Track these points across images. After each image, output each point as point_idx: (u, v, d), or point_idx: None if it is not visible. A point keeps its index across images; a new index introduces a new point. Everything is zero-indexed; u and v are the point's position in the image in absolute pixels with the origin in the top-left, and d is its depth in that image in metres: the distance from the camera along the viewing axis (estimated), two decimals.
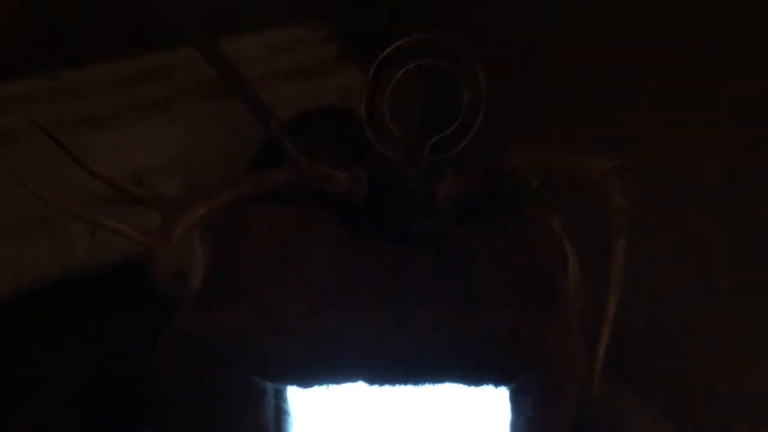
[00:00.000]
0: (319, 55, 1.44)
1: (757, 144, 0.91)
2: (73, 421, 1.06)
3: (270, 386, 0.63)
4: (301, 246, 0.70)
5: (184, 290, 0.71)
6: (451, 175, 0.75)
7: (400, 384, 0.63)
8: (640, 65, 1.02)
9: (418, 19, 1.44)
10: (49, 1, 1.24)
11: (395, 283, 0.66)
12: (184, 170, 1.28)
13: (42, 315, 1.13)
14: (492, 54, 0.80)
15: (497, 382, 0.63)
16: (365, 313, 0.63)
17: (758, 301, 0.95)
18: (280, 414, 0.65)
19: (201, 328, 0.64)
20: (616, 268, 0.74)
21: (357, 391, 0.64)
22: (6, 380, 1.06)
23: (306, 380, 0.62)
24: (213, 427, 0.67)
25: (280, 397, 0.64)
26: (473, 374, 0.63)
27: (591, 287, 0.77)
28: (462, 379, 0.63)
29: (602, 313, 0.73)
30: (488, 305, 0.64)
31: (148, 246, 0.69)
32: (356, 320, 0.63)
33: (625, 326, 0.72)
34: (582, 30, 1.12)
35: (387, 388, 0.63)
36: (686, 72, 0.97)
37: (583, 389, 0.70)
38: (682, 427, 1.08)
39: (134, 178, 1.21)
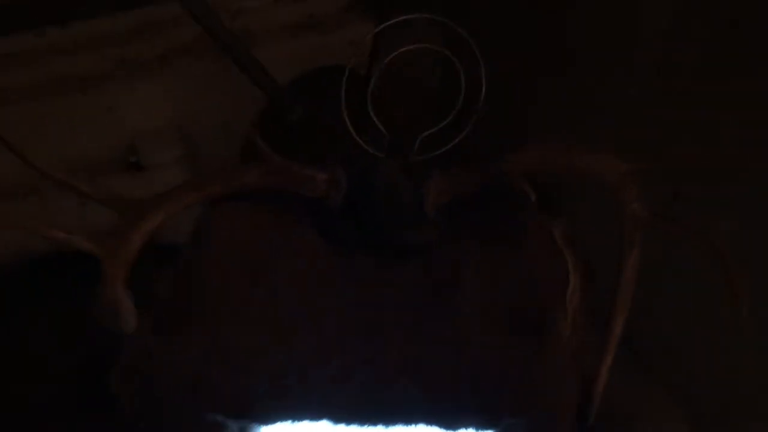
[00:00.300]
0: (329, 7, 1.32)
1: None
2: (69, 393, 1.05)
3: (233, 424, 0.57)
4: (267, 261, 0.63)
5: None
6: (441, 178, 0.66)
7: (369, 425, 0.56)
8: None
9: None
10: None
11: (369, 307, 0.59)
12: (182, 133, 1.21)
13: (35, 286, 1.10)
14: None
15: (479, 427, 0.56)
16: (333, 346, 0.56)
17: None
18: None
19: (152, 358, 0.58)
20: (626, 284, 0.66)
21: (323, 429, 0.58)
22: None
23: (266, 419, 0.56)
24: None
25: None
26: (452, 418, 0.56)
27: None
28: (439, 422, 0.56)
29: (606, 334, 0.66)
30: (472, 341, 0.57)
31: (100, 258, 0.62)
32: (322, 355, 0.56)
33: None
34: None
35: (355, 428, 0.57)
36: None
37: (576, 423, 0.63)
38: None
39: (129, 147, 1.15)
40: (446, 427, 0.56)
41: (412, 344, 0.56)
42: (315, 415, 0.56)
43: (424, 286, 0.61)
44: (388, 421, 0.56)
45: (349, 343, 0.56)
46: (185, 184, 0.67)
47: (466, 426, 0.56)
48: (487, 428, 0.56)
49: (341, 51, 1.29)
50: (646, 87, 0.92)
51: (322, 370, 0.55)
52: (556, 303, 0.60)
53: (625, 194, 0.67)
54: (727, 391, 0.98)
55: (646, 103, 0.93)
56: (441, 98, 0.72)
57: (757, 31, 0.78)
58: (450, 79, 0.68)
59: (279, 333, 0.57)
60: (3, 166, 1.11)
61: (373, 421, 0.56)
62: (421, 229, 0.66)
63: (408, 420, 0.56)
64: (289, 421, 0.56)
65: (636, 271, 0.65)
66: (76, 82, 1.15)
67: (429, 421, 0.56)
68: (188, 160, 1.18)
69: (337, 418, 0.56)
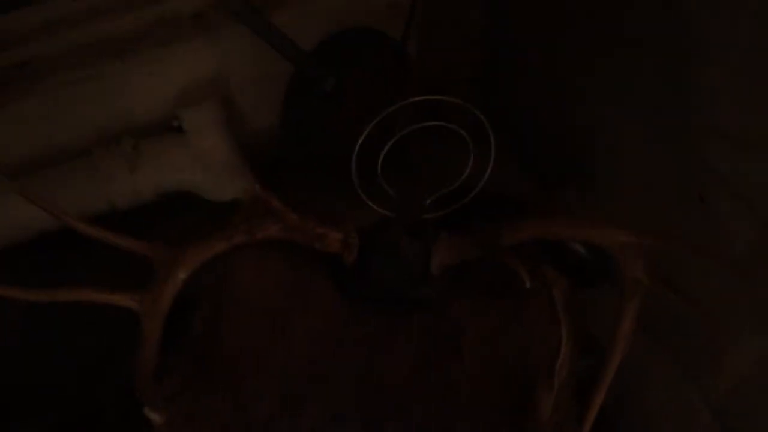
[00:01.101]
0: None
1: None
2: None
3: None
4: (285, 319, 0.70)
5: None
6: (447, 243, 0.70)
7: None
8: None
9: None
10: None
11: (374, 371, 0.66)
12: (220, 94, 1.23)
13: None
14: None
15: None
16: (337, 419, 0.64)
17: None
18: None
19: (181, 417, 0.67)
20: (622, 333, 0.71)
21: None
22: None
23: None
24: None
25: None
26: None
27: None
28: None
29: (599, 376, 0.72)
30: (464, 415, 0.64)
31: (137, 310, 0.70)
32: (330, 421, 0.64)
33: None
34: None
35: None
36: None
37: None
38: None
39: (163, 121, 1.19)
40: None
41: (408, 420, 0.63)
42: None
43: (427, 352, 0.67)
44: None
45: (357, 406, 0.64)
46: (214, 236, 0.73)
47: None
48: None
49: (380, 12, 1.25)
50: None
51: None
52: (545, 379, 0.66)
53: (627, 262, 0.70)
54: None
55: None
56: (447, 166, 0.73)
57: None
58: (460, 150, 0.70)
59: (291, 403, 0.65)
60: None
61: None
62: (427, 287, 0.71)
63: None
64: None
65: (629, 339, 0.70)
66: (116, 48, 1.17)
67: None
68: (227, 123, 1.22)
69: None
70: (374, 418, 0.64)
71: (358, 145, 0.71)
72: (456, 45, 1.36)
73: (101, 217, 1.20)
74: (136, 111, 1.21)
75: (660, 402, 1.05)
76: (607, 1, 1.00)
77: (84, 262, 1.13)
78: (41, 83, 1.15)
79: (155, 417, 0.66)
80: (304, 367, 0.67)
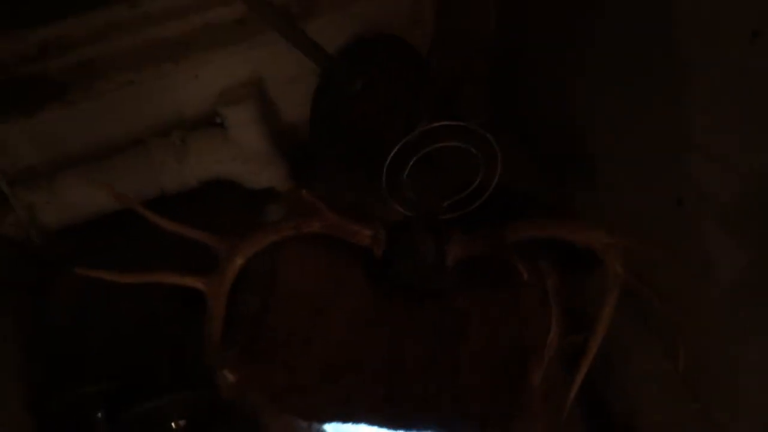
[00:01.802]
0: None
1: None
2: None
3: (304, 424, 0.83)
4: (325, 302, 0.85)
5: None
6: (459, 240, 0.85)
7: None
8: None
9: None
10: None
11: (397, 346, 0.82)
12: (259, 93, 1.37)
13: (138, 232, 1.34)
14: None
15: None
16: (369, 381, 0.79)
17: None
18: None
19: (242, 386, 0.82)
20: (604, 316, 0.86)
21: None
22: None
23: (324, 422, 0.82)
24: None
25: None
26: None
27: None
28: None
29: (584, 350, 0.87)
30: (470, 385, 0.79)
31: (205, 290, 0.85)
32: (361, 387, 0.80)
33: None
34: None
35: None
36: None
37: None
38: None
39: (207, 117, 1.34)
40: None
41: (424, 388, 0.79)
42: (356, 421, 0.82)
43: (438, 332, 0.83)
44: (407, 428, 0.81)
45: (381, 381, 0.80)
46: (266, 228, 0.88)
47: None
48: None
49: (404, 12, 1.38)
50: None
51: (360, 397, 0.80)
52: (536, 355, 0.81)
53: (609, 258, 0.84)
54: None
55: None
56: (462, 174, 0.87)
57: None
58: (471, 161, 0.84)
59: (332, 370, 0.80)
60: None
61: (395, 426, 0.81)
62: (442, 277, 0.86)
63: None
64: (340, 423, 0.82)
65: (610, 320, 0.85)
66: (168, 51, 1.31)
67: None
68: (264, 119, 1.36)
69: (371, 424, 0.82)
70: (396, 387, 0.79)
71: (387, 162, 0.85)
72: (468, 52, 1.49)
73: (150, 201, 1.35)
74: (183, 108, 1.36)
75: (642, 371, 1.20)
76: (602, 23, 1.13)
77: (130, 245, 1.30)
78: (101, 82, 1.29)
79: (230, 376, 0.82)
80: (340, 343, 0.82)
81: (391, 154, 0.83)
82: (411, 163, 0.84)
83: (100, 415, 1.18)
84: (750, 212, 0.89)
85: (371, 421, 0.80)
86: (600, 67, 1.17)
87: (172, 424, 1.14)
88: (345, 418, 0.80)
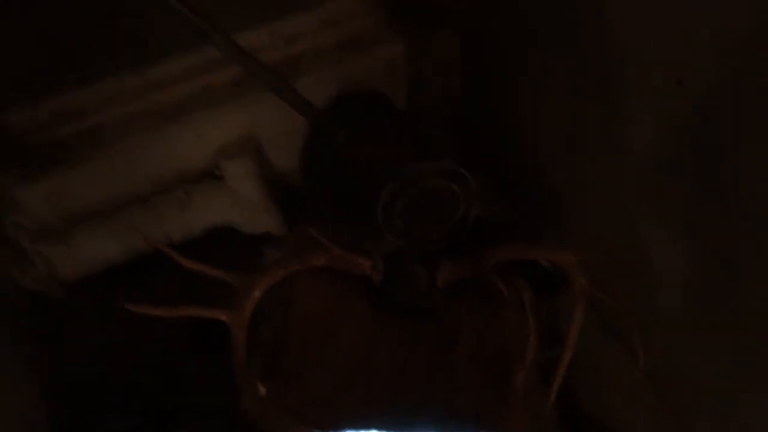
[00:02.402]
0: (366, 27, 1.56)
1: None
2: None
3: None
4: (335, 326, 0.98)
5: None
6: (446, 266, 0.99)
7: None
8: None
9: None
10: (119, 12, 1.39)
11: (398, 361, 0.95)
12: (254, 149, 1.51)
13: (150, 279, 1.46)
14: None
15: None
16: (377, 392, 0.92)
17: None
18: None
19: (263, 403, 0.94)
20: (574, 330, 1.00)
21: None
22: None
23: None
24: None
25: None
26: None
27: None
28: None
29: (559, 362, 1.01)
30: (463, 387, 0.92)
31: (228, 322, 0.98)
32: (371, 397, 0.92)
33: None
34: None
35: None
36: None
37: None
38: None
39: (208, 171, 1.47)
40: None
41: (425, 388, 0.92)
42: (368, 427, 0.94)
43: (433, 344, 0.96)
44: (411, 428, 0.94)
45: (387, 388, 0.92)
46: (277, 263, 1.01)
47: None
48: None
49: (378, 69, 1.54)
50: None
51: (370, 404, 0.92)
52: (519, 359, 0.95)
53: (575, 274, 0.99)
54: None
55: None
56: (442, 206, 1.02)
57: None
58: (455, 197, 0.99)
59: (343, 382, 0.93)
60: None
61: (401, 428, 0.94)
62: (434, 298, 1.00)
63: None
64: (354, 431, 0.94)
65: (579, 330, 0.99)
66: (172, 112, 1.45)
67: None
68: (259, 170, 1.50)
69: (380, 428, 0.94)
70: (400, 393, 0.92)
71: (383, 203, 0.99)
72: (440, 101, 1.66)
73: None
74: (186, 163, 1.49)
75: (612, 374, 1.34)
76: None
77: (158, 283, 1.41)
78: (109, 145, 1.42)
79: (262, 389, 0.94)
80: (348, 360, 0.95)
81: (386, 195, 0.97)
82: (402, 202, 0.98)
83: None
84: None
85: (380, 425, 0.92)
86: (550, 110, 1.34)
87: None
88: (358, 425, 0.92)
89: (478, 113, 1.65)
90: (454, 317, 0.98)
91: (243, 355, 0.94)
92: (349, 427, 0.92)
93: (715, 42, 0.84)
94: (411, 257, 0.98)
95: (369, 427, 0.92)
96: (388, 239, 1.00)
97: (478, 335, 0.97)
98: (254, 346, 1.02)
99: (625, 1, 1.00)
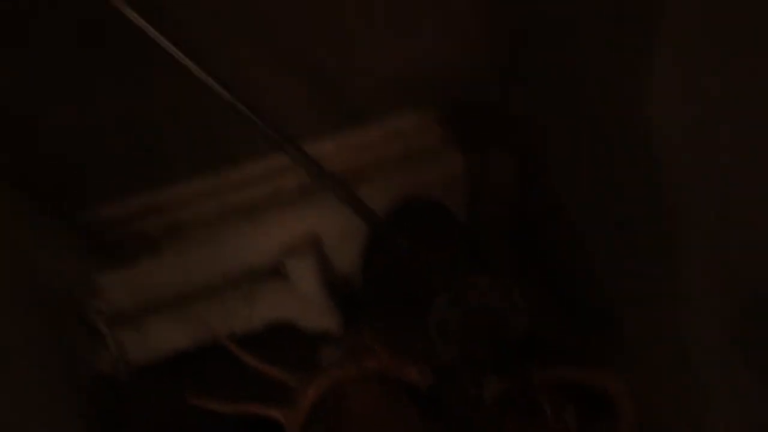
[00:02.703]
0: (428, 142, 1.67)
1: None
2: None
3: None
4: (382, 426, 1.02)
5: None
6: (495, 383, 1.03)
7: None
8: None
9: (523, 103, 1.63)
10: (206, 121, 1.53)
11: None
12: (315, 248, 1.61)
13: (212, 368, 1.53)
14: None
15: None
16: None
17: None
18: None
19: None
20: None
21: None
22: None
23: None
24: None
25: None
26: None
27: None
28: None
29: None
30: None
31: (283, 421, 1.03)
32: None
33: None
34: None
35: None
36: None
37: None
38: None
39: (273, 268, 1.56)
40: None
41: None
42: None
43: None
44: None
45: None
46: (333, 367, 1.07)
47: None
48: None
49: (436, 180, 1.64)
50: None
51: None
52: None
53: (622, 403, 1.01)
54: None
55: None
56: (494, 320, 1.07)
57: None
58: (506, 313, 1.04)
59: None
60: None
61: None
62: (481, 413, 1.03)
63: None
64: None
65: None
66: (244, 213, 1.57)
67: None
68: (320, 270, 1.59)
69: None
70: None
71: (436, 319, 1.05)
72: (496, 209, 1.73)
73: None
74: (252, 259, 1.59)
75: None
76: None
77: (218, 372, 1.48)
78: (187, 240, 1.54)
79: None
80: None
81: (438, 310, 1.03)
82: (456, 320, 1.04)
83: None
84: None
85: None
86: (617, 225, 1.38)
87: None
88: None
89: (534, 227, 1.71)
90: (499, 429, 1.01)
91: None
92: None
93: None
94: (463, 371, 1.03)
95: None
96: (439, 350, 1.05)
97: None
98: None
99: None
